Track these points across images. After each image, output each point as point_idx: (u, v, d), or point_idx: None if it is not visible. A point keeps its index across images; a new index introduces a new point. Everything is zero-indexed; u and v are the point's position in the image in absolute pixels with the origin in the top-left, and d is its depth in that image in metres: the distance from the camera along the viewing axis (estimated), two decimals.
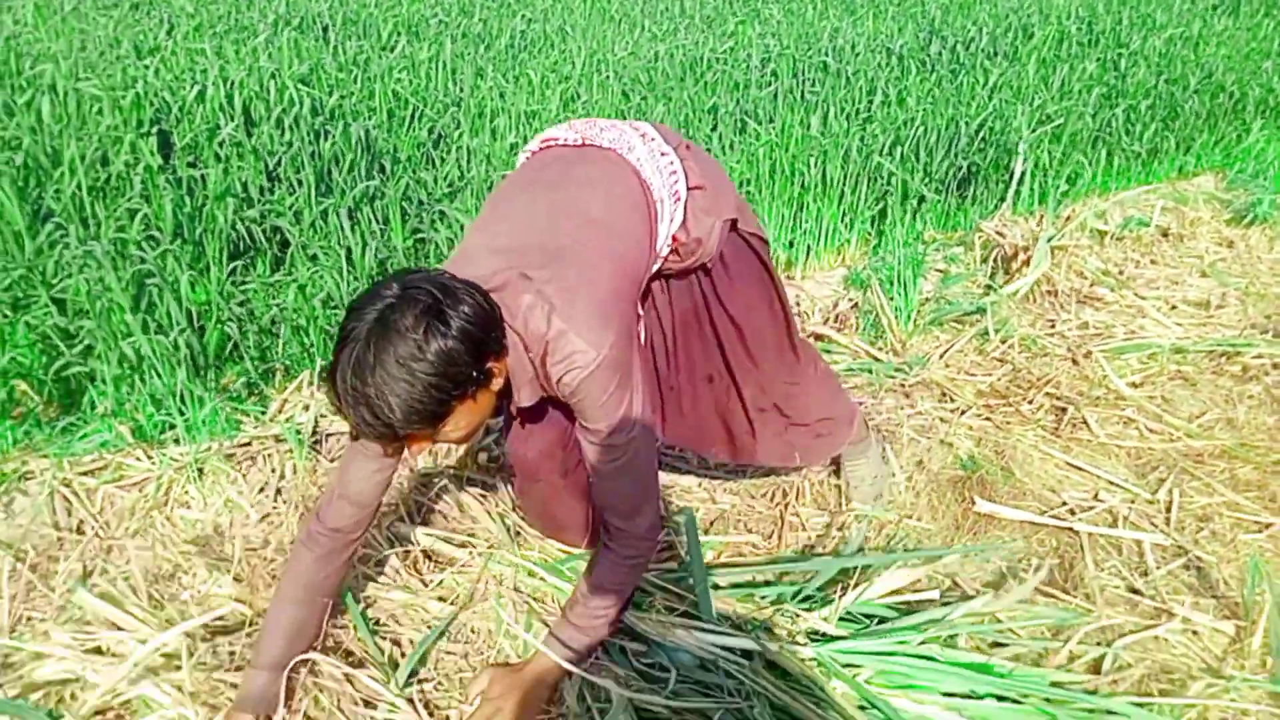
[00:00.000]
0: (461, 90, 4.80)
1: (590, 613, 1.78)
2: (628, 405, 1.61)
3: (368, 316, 1.36)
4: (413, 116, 4.41)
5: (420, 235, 3.55)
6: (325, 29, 5.61)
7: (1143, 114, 5.02)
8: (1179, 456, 2.76)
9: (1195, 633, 2.12)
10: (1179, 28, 6.90)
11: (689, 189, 1.79)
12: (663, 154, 1.78)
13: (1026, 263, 3.78)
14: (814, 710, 1.68)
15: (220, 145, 3.58)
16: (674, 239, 1.81)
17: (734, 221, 1.89)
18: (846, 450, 2.43)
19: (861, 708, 1.73)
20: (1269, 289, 3.89)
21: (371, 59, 4.92)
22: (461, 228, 3.52)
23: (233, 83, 3.95)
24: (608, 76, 5.25)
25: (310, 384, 2.91)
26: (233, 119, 3.79)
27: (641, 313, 1.91)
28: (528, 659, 1.81)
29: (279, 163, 3.62)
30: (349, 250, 3.30)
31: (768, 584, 2.13)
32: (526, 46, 6.15)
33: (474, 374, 1.42)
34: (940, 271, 3.95)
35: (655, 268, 1.84)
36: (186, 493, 2.41)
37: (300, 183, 3.53)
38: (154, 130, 3.56)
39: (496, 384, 1.50)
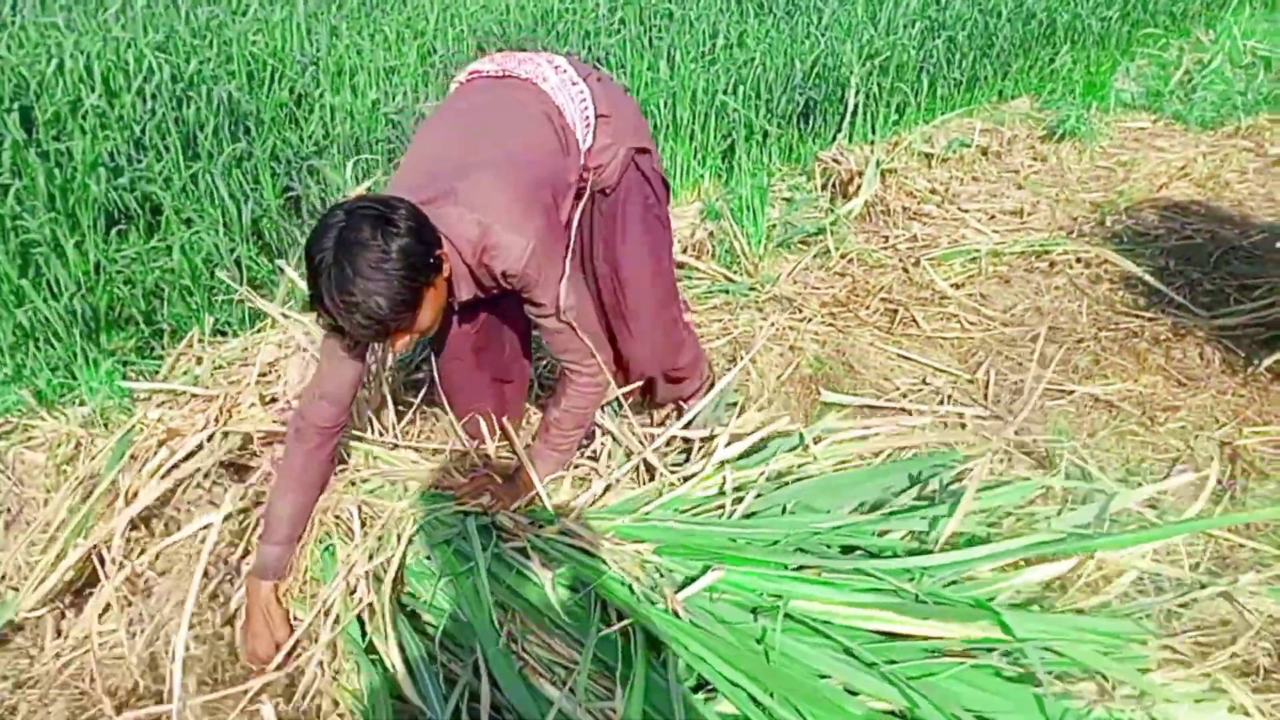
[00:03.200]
0: (318, 50, 4.86)
1: (560, 434, 2.07)
2: (561, 281, 1.86)
3: (327, 243, 1.54)
4: (272, 78, 4.47)
5: (291, 192, 3.68)
6: None
7: (962, 44, 5.44)
8: (995, 342, 3.17)
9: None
10: None
11: (596, 116, 2.04)
12: (574, 83, 2.02)
13: (860, 186, 4.15)
14: None
15: (83, 117, 3.62)
16: (584, 159, 2.05)
17: (638, 151, 2.13)
18: None
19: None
20: (1075, 195, 4.37)
21: (225, 24, 4.93)
22: (328, 183, 3.68)
23: (89, 54, 3.96)
24: (462, 30, 5.38)
25: (201, 339, 3.04)
26: (94, 90, 3.81)
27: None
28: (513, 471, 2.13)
29: (144, 131, 3.68)
30: (224, 211, 3.41)
31: None
32: (379, 3, 6.18)
33: (430, 260, 1.62)
34: (786, 199, 4.29)
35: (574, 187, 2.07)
36: (95, 445, 2.55)
37: (168, 149, 3.61)
38: (14, 106, 3.57)
39: (448, 269, 1.70)
